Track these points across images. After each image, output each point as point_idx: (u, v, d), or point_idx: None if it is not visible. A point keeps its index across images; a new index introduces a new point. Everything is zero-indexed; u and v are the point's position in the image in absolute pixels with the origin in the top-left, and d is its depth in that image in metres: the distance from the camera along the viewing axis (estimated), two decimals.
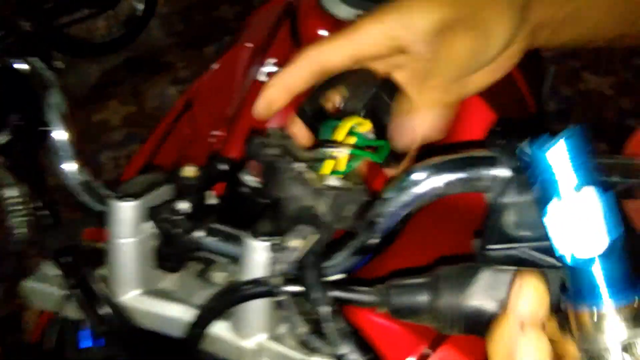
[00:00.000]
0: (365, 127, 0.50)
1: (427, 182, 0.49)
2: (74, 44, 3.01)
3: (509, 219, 0.47)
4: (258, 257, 0.51)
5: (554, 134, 0.25)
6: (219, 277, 0.63)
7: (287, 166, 0.47)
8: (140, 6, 3.18)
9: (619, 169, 0.50)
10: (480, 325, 0.44)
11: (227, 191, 0.71)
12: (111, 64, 3.18)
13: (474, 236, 0.52)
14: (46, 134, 0.55)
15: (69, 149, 0.57)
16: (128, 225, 0.54)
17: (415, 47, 0.43)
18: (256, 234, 0.50)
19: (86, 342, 0.73)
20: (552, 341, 0.29)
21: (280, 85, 0.45)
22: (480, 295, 0.44)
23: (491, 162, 0.46)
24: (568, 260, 0.25)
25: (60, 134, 0.56)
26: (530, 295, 0.30)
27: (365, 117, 0.50)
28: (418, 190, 0.48)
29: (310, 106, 0.52)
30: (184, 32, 3.46)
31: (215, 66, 0.94)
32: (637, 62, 3.12)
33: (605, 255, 0.24)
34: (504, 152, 0.45)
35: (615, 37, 0.53)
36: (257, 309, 0.53)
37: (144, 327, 0.59)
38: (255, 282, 0.50)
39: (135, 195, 0.53)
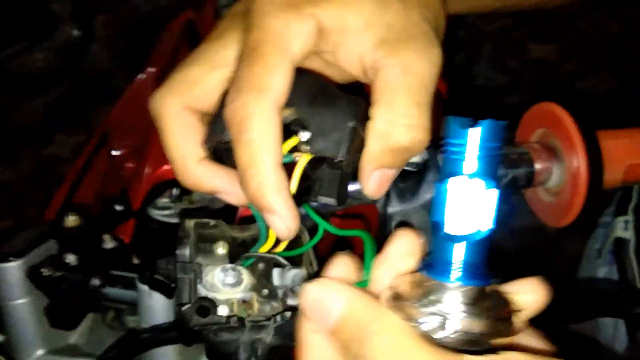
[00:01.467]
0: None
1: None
2: (12, 80, 2.93)
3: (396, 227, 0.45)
4: (151, 301, 0.48)
5: (476, 118, 0.27)
6: (133, 321, 0.61)
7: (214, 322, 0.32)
8: (77, 32, 3.10)
9: (507, 160, 0.49)
10: None
11: (137, 229, 0.68)
12: (54, 96, 3.10)
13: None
14: None
15: None
16: (15, 286, 0.51)
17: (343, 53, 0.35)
18: (144, 278, 0.48)
19: None
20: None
21: None
22: None
23: None
24: (443, 230, 0.28)
25: None
26: None
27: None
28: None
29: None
30: (127, 53, 3.40)
31: (124, 96, 0.91)
32: (583, 26, 3.17)
33: (472, 242, 0.28)
34: None
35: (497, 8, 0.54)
36: (163, 356, 0.51)
37: None
38: (153, 330, 0.48)
39: (17, 254, 0.50)
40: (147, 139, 0.80)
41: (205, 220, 0.37)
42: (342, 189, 0.35)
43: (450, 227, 0.27)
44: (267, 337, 0.33)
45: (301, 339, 0.29)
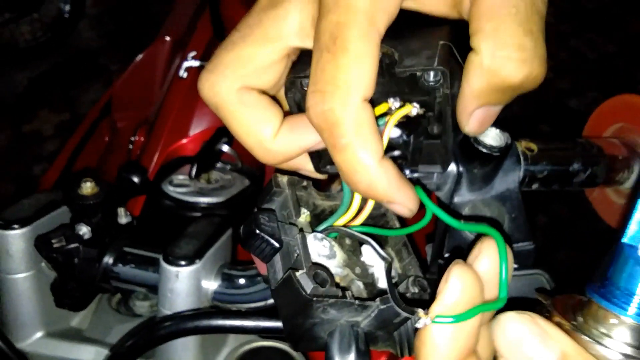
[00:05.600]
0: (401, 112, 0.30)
1: None
2: None
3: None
4: (175, 284, 0.42)
5: None
6: (142, 307, 0.55)
7: (323, 291, 0.27)
8: (67, 7, 3.00)
9: (584, 155, 0.44)
10: None
11: (147, 206, 0.62)
12: (39, 70, 2.99)
13: (427, 241, 0.45)
14: None
15: None
16: (17, 257, 0.45)
17: None
18: (171, 258, 0.42)
19: None
20: None
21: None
22: None
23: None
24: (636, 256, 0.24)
25: None
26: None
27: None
28: None
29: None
30: (115, 32, 3.30)
31: (133, 65, 0.85)
32: (574, 44, 3.18)
33: None
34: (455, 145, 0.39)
35: None
36: (184, 346, 0.45)
37: None
38: (176, 317, 0.42)
39: (21, 222, 0.44)
40: (157, 112, 0.74)
41: (297, 178, 0.32)
42: (446, 152, 0.30)
43: None
44: (366, 320, 0.28)
45: (427, 341, 0.25)
